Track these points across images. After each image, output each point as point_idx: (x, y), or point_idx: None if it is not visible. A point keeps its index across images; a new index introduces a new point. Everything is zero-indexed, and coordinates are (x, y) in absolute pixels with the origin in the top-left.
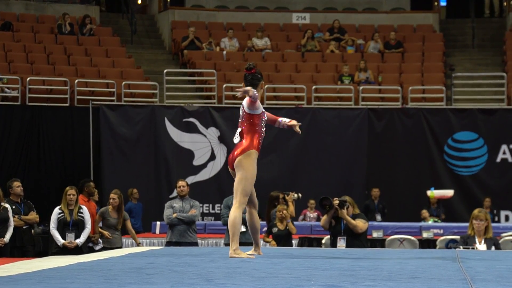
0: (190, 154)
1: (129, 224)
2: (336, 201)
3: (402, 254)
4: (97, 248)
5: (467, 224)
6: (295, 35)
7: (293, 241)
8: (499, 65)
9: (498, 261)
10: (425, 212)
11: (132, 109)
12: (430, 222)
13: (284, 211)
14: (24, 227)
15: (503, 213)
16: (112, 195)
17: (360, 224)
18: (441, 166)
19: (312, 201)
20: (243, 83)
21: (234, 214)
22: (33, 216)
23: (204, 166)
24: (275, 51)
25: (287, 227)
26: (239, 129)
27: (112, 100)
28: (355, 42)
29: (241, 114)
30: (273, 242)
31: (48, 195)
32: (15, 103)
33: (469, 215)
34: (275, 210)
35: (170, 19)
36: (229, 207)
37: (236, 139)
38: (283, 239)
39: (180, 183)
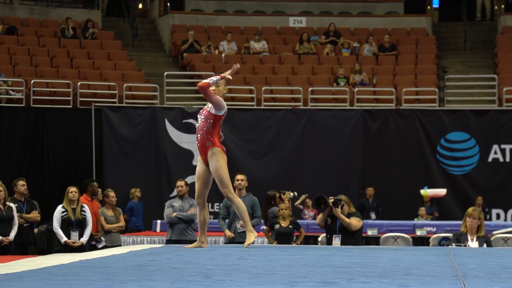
0: (189, 154)
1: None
2: (331, 200)
3: (396, 251)
4: (100, 246)
5: (459, 222)
6: (291, 38)
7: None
8: (490, 67)
9: (489, 258)
10: (422, 210)
11: (133, 110)
12: (423, 220)
13: (286, 211)
14: (25, 225)
15: (494, 212)
16: (111, 193)
17: (355, 222)
18: (434, 166)
19: (303, 197)
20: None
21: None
22: (34, 215)
23: None
24: (272, 54)
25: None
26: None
27: (114, 102)
28: (350, 45)
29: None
30: (275, 242)
31: (52, 194)
32: (20, 105)
33: (461, 214)
34: (272, 209)
35: (170, 23)
36: (227, 207)
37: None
38: (285, 236)
39: (179, 182)
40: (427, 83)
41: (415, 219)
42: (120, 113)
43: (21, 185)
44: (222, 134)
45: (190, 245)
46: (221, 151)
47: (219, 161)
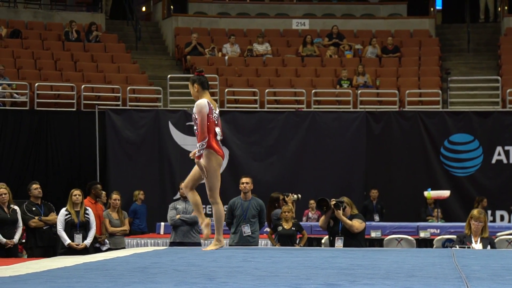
0: None
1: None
2: (333, 202)
3: (399, 253)
4: (104, 248)
5: (463, 224)
6: (295, 40)
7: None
8: (493, 69)
9: (493, 260)
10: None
11: (136, 113)
12: (430, 222)
13: (289, 213)
14: (45, 228)
15: (498, 213)
16: (115, 196)
17: (356, 224)
18: (437, 167)
19: (311, 201)
20: (194, 84)
21: None
22: (53, 217)
23: None
24: (276, 56)
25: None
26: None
27: (118, 105)
28: (353, 47)
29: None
30: (278, 244)
31: (56, 197)
32: (24, 108)
33: (465, 215)
34: (275, 211)
35: (174, 26)
36: (231, 211)
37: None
38: (288, 238)
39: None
40: (430, 85)
41: (429, 220)
42: (124, 115)
43: (35, 188)
44: (219, 131)
45: (208, 248)
46: (211, 152)
47: (207, 163)
